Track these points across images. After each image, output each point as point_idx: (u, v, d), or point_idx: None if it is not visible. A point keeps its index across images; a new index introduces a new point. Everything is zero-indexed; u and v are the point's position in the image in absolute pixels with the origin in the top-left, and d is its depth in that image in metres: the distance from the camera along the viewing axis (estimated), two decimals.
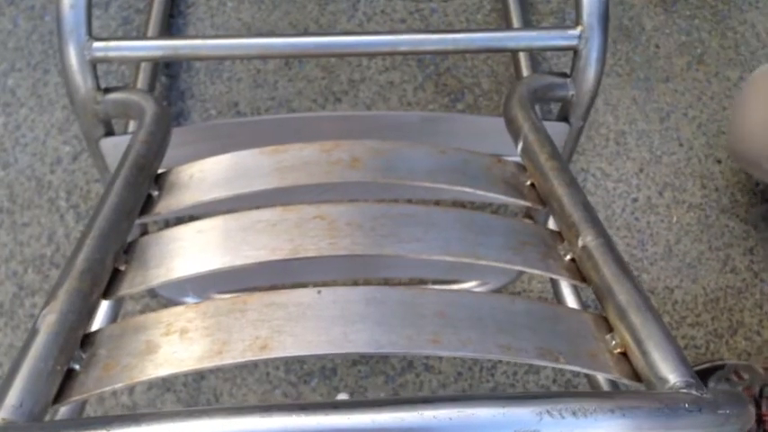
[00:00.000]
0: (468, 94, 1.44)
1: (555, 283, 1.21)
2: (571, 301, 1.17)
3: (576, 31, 0.80)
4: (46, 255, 1.27)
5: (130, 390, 1.18)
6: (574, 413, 0.41)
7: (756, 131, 1.19)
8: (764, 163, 1.19)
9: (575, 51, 0.82)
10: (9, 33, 1.45)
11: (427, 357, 1.23)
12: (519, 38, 0.84)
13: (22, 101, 1.39)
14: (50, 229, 1.30)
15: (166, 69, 1.42)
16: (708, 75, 1.49)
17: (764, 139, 1.18)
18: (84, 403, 0.93)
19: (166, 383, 1.19)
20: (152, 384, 1.18)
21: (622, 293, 0.54)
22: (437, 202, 1.10)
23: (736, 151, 1.25)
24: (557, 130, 0.86)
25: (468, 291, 0.56)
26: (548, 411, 0.41)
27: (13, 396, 0.46)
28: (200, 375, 1.20)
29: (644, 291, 0.55)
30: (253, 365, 1.21)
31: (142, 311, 1.19)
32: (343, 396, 1.20)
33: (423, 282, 1.25)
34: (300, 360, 1.22)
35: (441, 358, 1.24)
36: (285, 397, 1.19)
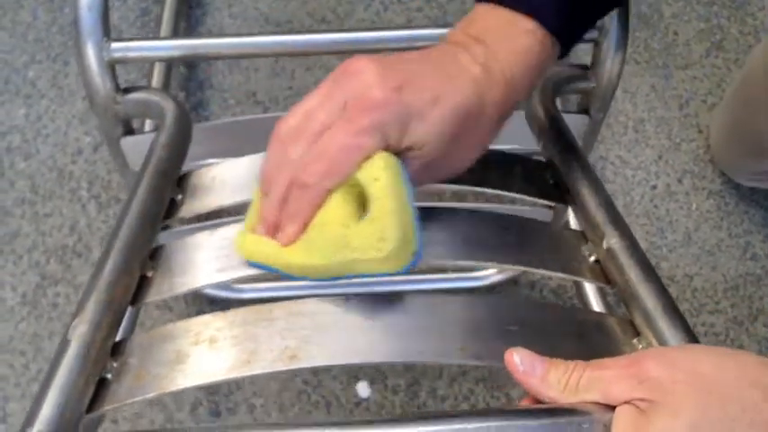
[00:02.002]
0: None
1: (578, 283, 1.20)
2: (594, 300, 1.16)
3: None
4: (68, 245, 1.28)
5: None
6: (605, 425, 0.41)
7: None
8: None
9: (595, 43, 0.81)
10: (29, 25, 1.46)
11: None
12: None
13: (43, 92, 1.40)
14: (72, 219, 1.30)
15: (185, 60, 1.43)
16: (727, 61, 1.48)
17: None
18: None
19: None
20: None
21: (649, 298, 0.54)
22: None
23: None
24: (577, 123, 0.85)
25: (495, 297, 0.56)
26: (578, 424, 0.42)
27: (47, 407, 0.47)
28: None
29: (670, 294, 0.55)
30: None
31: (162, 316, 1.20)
32: (363, 384, 1.20)
33: (442, 270, 1.24)
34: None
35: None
36: (305, 385, 1.19)
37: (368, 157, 0.51)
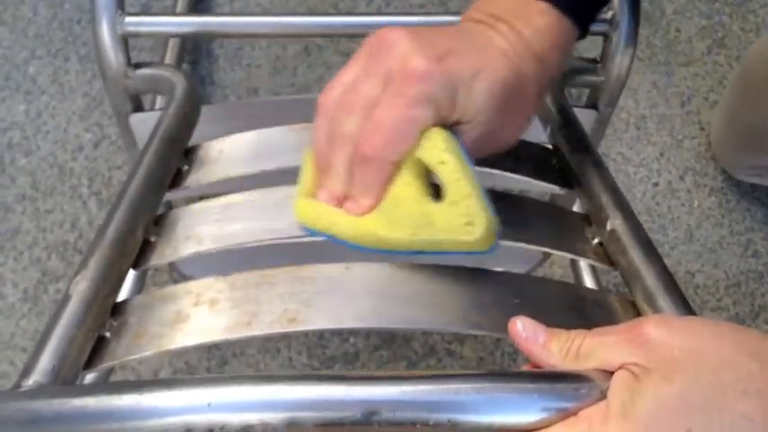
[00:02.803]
0: None
1: (576, 270, 1.20)
2: (591, 284, 1.17)
3: (607, 16, 0.80)
4: (69, 241, 1.28)
5: (155, 373, 1.18)
6: (602, 391, 0.41)
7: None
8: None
9: (605, 37, 0.81)
10: (29, 21, 1.46)
11: (449, 342, 1.23)
12: None
13: (43, 88, 1.40)
14: (73, 215, 1.30)
15: (187, 56, 1.43)
16: (729, 58, 1.48)
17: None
18: (109, 374, 0.94)
19: (190, 368, 1.19)
20: (176, 370, 1.19)
21: (650, 277, 0.54)
22: None
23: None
24: (584, 117, 0.85)
25: (497, 272, 0.56)
26: (574, 389, 0.41)
27: (45, 360, 0.47)
28: (223, 361, 1.20)
29: (672, 275, 0.55)
30: (275, 350, 1.22)
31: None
32: None
33: None
34: (323, 345, 1.22)
35: (462, 343, 1.24)
36: None
37: (425, 131, 0.51)
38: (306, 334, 1.22)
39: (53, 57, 1.43)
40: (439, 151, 0.51)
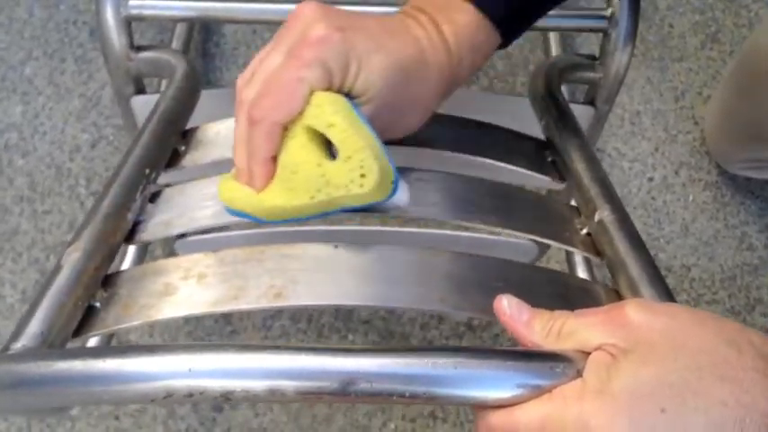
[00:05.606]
0: (483, 77, 1.45)
1: (570, 261, 1.21)
2: (583, 274, 1.17)
3: (607, 13, 0.80)
4: (67, 242, 1.28)
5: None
6: (578, 370, 0.41)
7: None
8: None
9: (604, 33, 0.82)
10: (25, 23, 1.46)
11: (447, 338, 1.24)
12: (549, 17, 0.84)
13: (40, 89, 1.41)
14: (71, 216, 1.31)
15: None
16: (722, 53, 1.48)
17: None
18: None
19: None
20: None
21: (634, 267, 0.55)
22: None
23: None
24: (582, 114, 0.85)
25: (482, 256, 0.56)
26: (550, 367, 0.42)
27: (34, 325, 0.47)
28: None
29: (656, 265, 0.55)
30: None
31: None
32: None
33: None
34: (321, 343, 1.22)
35: (461, 339, 1.24)
36: None
37: (314, 97, 0.52)
38: (305, 331, 1.23)
39: (49, 58, 1.44)
40: (327, 115, 0.51)
